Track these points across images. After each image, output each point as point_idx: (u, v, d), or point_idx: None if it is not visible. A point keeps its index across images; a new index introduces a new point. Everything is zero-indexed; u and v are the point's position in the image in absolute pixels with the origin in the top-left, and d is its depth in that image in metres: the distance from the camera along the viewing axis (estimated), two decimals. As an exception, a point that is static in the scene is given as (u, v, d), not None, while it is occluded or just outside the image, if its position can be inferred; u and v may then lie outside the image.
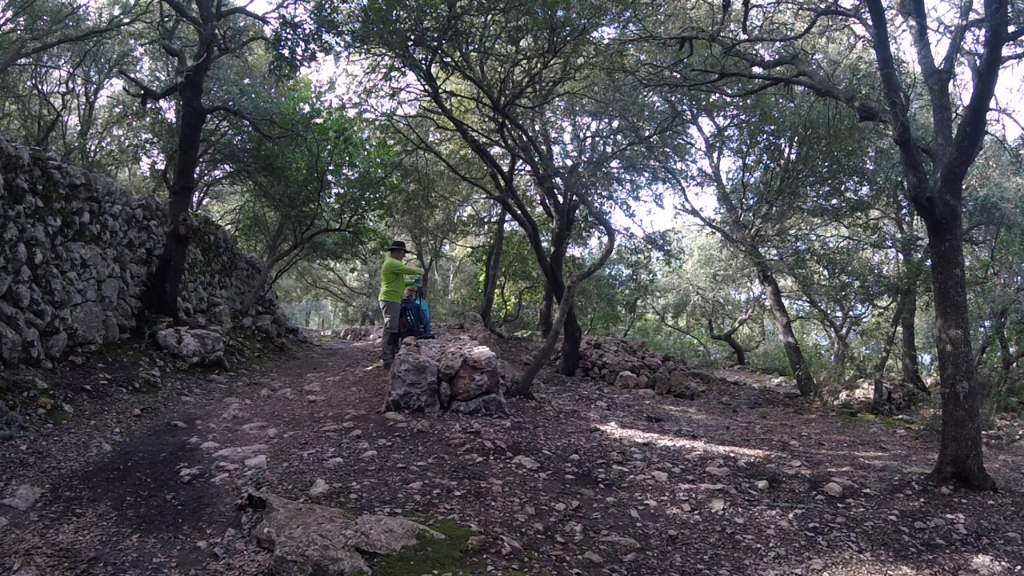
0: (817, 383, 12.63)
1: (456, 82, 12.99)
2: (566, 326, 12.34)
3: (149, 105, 11.87)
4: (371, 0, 8.46)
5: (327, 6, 8.84)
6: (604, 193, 13.40)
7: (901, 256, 14.84)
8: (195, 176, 12.01)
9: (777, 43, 8.92)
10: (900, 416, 10.80)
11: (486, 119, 12.74)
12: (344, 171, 13.71)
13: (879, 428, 9.59)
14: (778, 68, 8.54)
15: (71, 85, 14.73)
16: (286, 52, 9.20)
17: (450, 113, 11.32)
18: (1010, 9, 5.84)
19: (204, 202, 17.89)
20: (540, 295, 20.48)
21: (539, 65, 9.98)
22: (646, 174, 13.54)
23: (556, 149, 14.62)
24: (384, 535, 3.50)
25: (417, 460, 5.16)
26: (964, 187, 10.71)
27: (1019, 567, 3.94)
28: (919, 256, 12.12)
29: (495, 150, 14.61)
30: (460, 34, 9.12)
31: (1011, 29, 5.60)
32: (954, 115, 6.78)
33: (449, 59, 9.79)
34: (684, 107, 12.67)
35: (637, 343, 15.31)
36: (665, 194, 39.22)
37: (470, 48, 9.70)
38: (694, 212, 16.66)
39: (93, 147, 15.13)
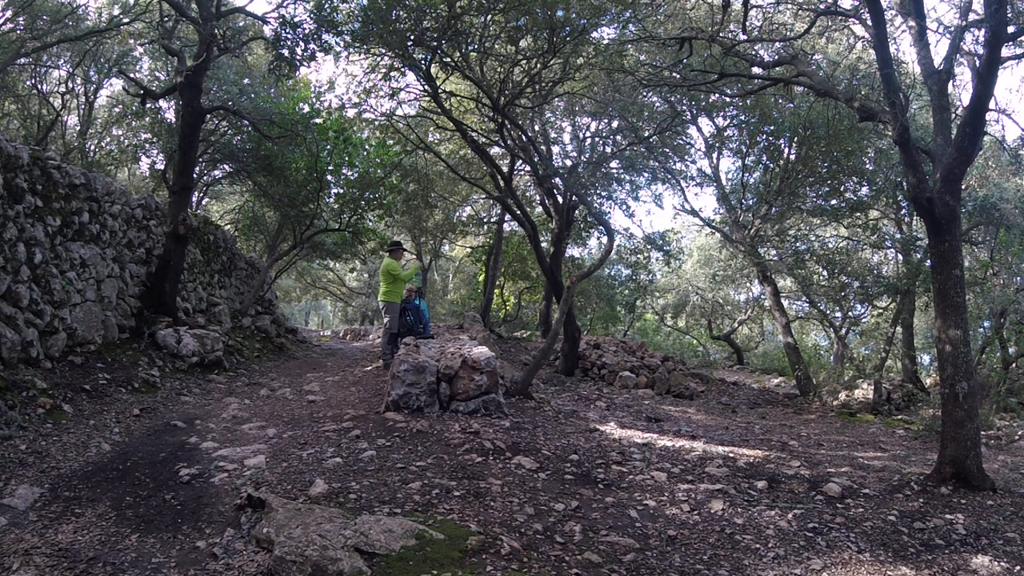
0: (816, 383, 12.62)
1: (456, 82, 12.98)
2: (565, 326, 12.33)
3: (148, 105, 11.87)
4: (371, 0, 8.46)
5: (327, 6, 8.84)
6: (604, 193, 13.39)
7: (900, 256, 14.85)
8: (195, 176, 12.00)
9: (777, 43, 8.91)
10: (899, 416, 10.80)
11: (486, 119, 12.73)
12: (344, 171, 13.73)
13: (878, 428, 9.59)
14: (778, 68, 8.54)
15: (71, 85, 14.73)
16: (286, 52, 9.20)
17: (450, 113, 11.31)
18: (1010, 9, 5.84)
19: (204, 202, 17.88)
20: (540, 295, 20.47)
21: (539, 65, 9.98)
22: (646, 174, 13.53)
23: (556, 149, 14.62)
24: (383, 535, 3.50)
25: (416, 460, 5.16)
26: (964, 187, 10.71)
27: (1018, 567, 3.94)
28: (918, 256, 12.13)
29: (495, 150, 14.60)
30: (460, 34, 9.12)
31: (1011, 29, 5.60)
32: (954, 115, 6.79)
33: (449, 59, 9.78)
34: (684, 107, 12.66)
35: (636, 343, 15.30)
36: (665, 194, 39.29)
37: (470, 48, 9.70)
38: (693, 212, 16.67)
39: (93, 147, 15.12)
